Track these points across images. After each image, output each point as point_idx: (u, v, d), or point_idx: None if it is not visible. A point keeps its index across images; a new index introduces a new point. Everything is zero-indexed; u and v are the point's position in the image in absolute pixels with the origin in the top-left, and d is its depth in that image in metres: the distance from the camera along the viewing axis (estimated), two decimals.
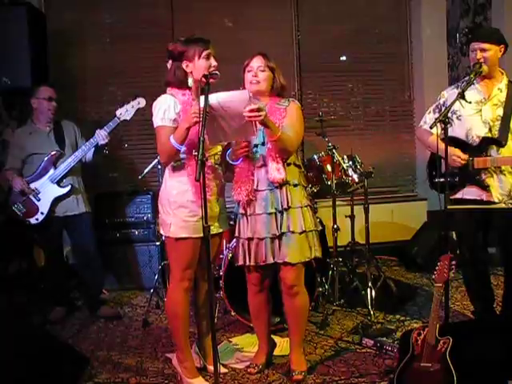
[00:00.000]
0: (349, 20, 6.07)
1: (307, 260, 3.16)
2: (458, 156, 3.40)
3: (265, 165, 3.12)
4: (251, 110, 2.80)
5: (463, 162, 3.41)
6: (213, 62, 3.06)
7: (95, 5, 5.67)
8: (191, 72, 3.07)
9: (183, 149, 2.99)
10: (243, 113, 2.80)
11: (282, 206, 3.10)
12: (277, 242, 3.12)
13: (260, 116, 2.82)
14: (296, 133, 3.11)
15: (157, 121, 3.04)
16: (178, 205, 3.07)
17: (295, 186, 3.15)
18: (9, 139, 4.41)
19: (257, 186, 3.14)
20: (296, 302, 3.22)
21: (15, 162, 4.30)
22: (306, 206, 3.16)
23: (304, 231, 3.11)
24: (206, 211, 2.63)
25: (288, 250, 3.10)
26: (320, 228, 3.29)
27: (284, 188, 3.11)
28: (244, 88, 3.15)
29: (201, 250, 3.10)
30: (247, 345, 3.72)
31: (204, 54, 3.04)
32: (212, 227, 3.05)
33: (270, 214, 3.11)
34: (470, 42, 3.51)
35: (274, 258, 3.12)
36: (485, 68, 3.36)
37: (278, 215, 3.11)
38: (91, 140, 4.16)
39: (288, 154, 3.10)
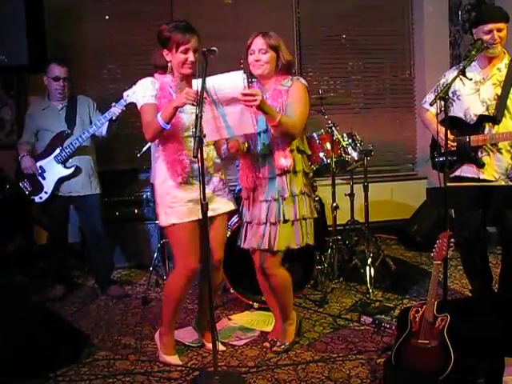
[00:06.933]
0: None
1: (296, 247, 3.13)
2: (448, 139, 3.35)
3: (269, 152, 3.07)
4: (245, 95, 2.72)
5: (453, 144, 3.41)
6: (190, 57, 2.98)
7: None
8: (170, 61, 3.04)
9: (168, 127, 2.92)
10: (237, 97, 2.73)
11: (279, 195, 3.07)
12: (272, 228, 3.09)
13: (255, 100, 2.73)
14: (298, 114, 3.01)
15: (139, 100, 3.05)
16: (164, 193, 3.06)
17: (295, 173, 3.09)
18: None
19: (260, 173, 3.12)
20: (272, 283, 3.22)
21: (29, 136, 4.30)
22: (302, 194, 3.10)
23: (297, 219, 3.08)
24: (203, 189, 2.62)
25: (278, 237, 3.08)
26: (315, 216, 3.21)
27: (285, 176, 3.07)
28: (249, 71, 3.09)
29: (201, 233, 3.06)
30: (246, 322, 3.73)
31: (181, 48, 2.97)
32: None
33: (269, 201, 3.09)
34: (480, 23, 3.35)
35: (260, 245, 3.12)
36: (499, 48, 3.32)
37: (274, 203, 3.08)
38: (106, 114, 4.01)
39: (292, 137, 3.03)
